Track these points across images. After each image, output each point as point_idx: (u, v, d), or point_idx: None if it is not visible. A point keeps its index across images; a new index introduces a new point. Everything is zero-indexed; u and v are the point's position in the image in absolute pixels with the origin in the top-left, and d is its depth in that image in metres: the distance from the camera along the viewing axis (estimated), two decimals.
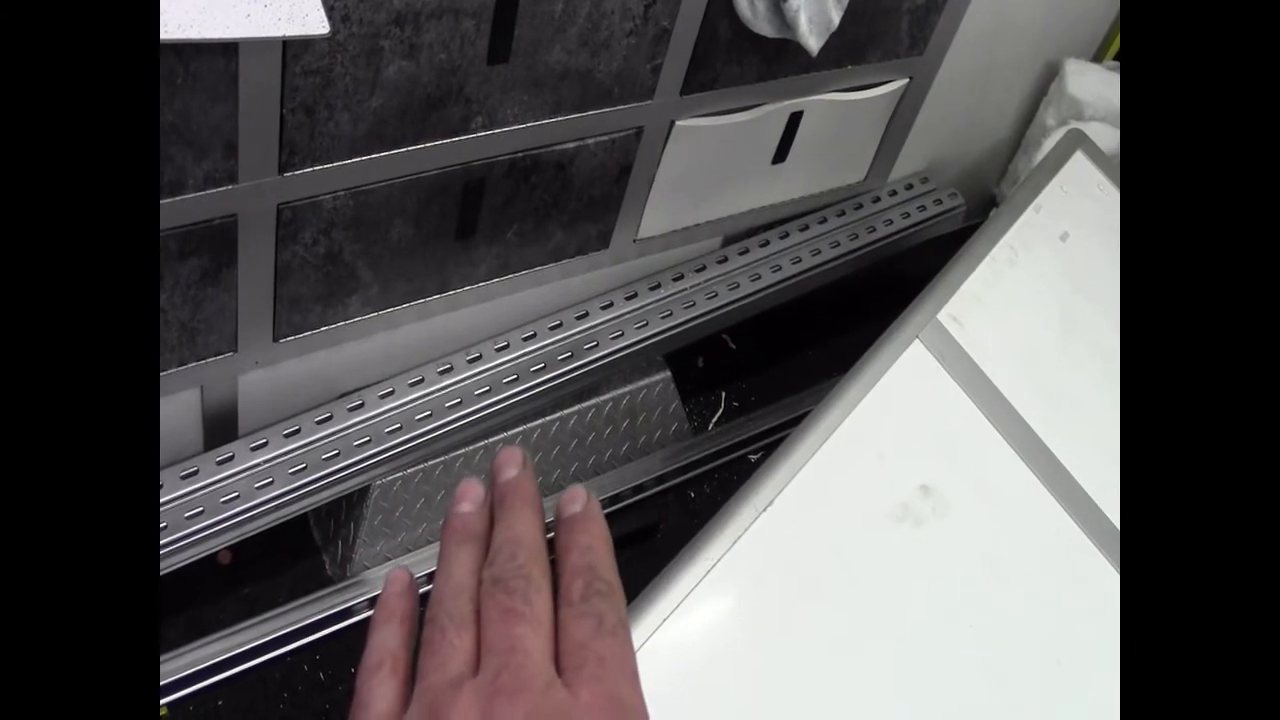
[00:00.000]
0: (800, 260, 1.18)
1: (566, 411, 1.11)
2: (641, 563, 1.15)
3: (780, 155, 1.10)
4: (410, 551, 1.08)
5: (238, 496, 0.93)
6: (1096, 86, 1.25)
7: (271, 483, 0.94)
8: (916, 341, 0.95)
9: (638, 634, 0.78)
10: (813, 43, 0.95)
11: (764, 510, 0.83)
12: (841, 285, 1.24)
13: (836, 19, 0.96)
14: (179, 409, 0.90)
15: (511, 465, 0.60)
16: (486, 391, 1.03)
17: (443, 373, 1.02)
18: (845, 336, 1.30)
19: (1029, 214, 1.05)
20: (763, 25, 0.94)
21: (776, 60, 0.99)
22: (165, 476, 0.92)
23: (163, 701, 0.97)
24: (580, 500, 0.58)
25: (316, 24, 0.70)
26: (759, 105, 1.03)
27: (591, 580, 0.54)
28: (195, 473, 0.93)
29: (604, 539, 0.57)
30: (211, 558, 0.99)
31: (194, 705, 0.99)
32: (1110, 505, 0.91)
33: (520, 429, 1.08)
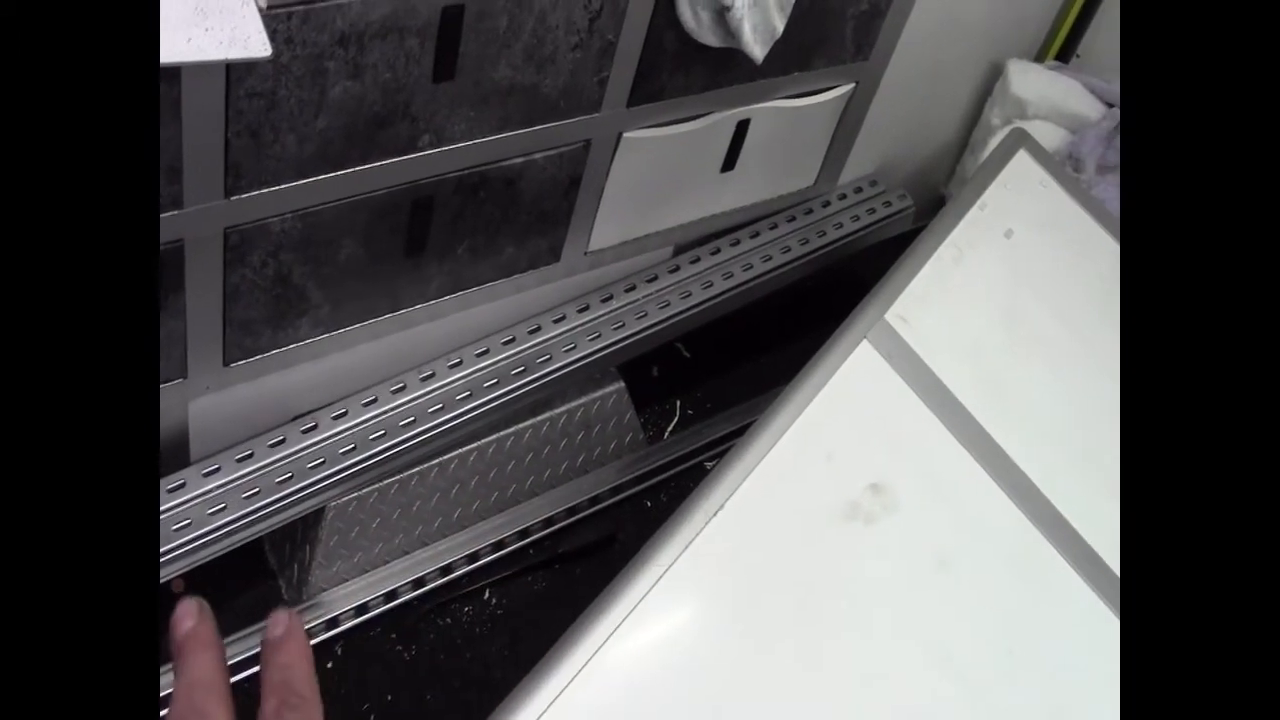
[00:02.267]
0: (752, 266, 1.18)
1: (521, 426, 1.10)
2: (599, 574, 1.15)
3: (729, 163, 1.10)
4: (366, 572, 1.07)
5: (190, 524, 0.92)
6: (1039, 86, 1.26)
7: (224, 508, 0.93)
8: (864, 342, 0.95)
9: (588, 644, 0.78)
10: (757, 51, 0.95)
11: (714, 515, 0.84)
12: (794, 290, 1.24)
13: (780, 26, 0.96)
14: None
15: (189, 616, 0.64)
16: (440, 409, 1.02)
17: (396, 391, 1.01)
18: (799, 341, 1.29)
19: (974, 212, 1.05)
20: (707, 35, 0.94)
21: (722, 69, 1.00)
22: None
23: None
24: (281, 624, 0.65)
25: (258, 46, 0.69)
26: (706, 114, 1.03)
27: (286, 696, 0.61)
28: None
29: (302, 655, 0.63)
30: (165, 587, 0.97)
31: None
32: (1059, 497, 0.92)
33: (474, 445, 1.08)
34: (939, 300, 1.00)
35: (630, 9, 0.89)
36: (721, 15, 0.92)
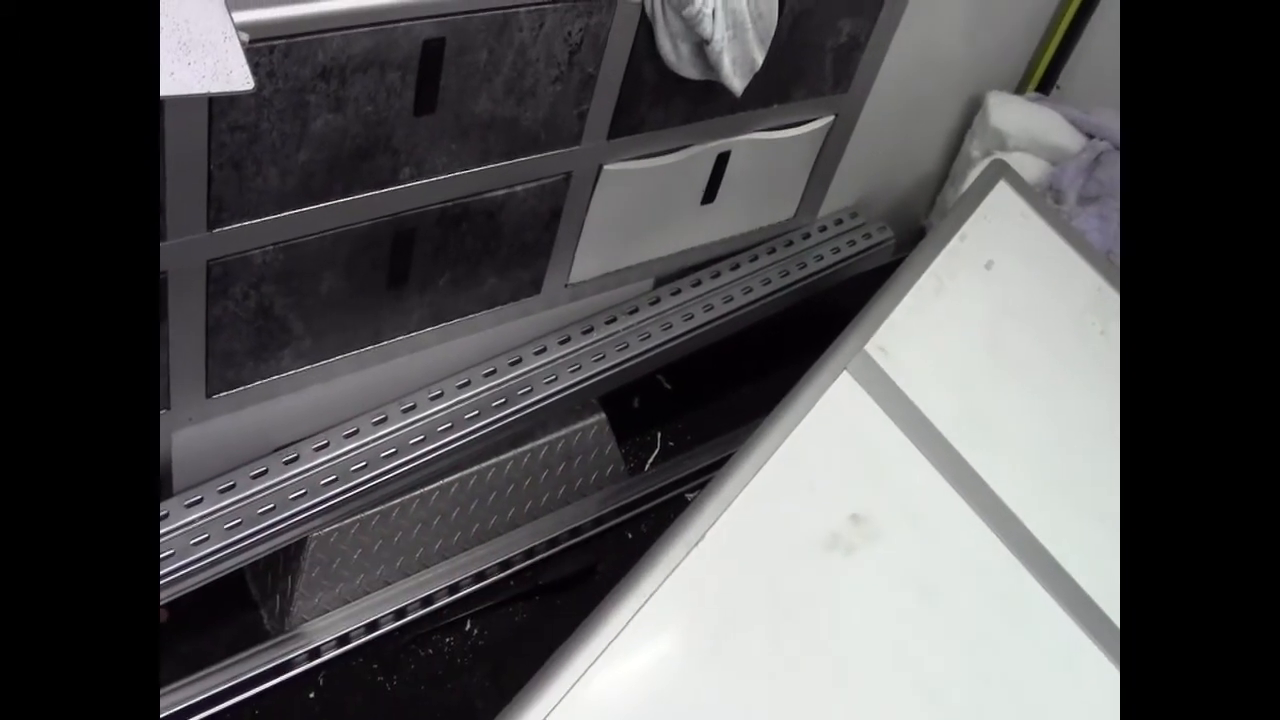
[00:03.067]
0: (732, 298, 1.19)
1: (502, 457, 1.11)
2: (580, 605, 1.14)
3: (709, 195, 1.11)
4: (348, 603, 1.07)
5: (173, 554, 0.92)
6: (1018, 118, 1.28)
7: (207, 539, 0.93)
8: (845, 373, 0.96)
9: (569, 673, 0.78)
10: (736, 83, 0.96)
11: (695, 545, 0.84)
12: (774, 322, 1.25)
13: (760, 59, 0.97)
14: None
15: None
16: (421, 440, 1.03)
17: (377, 423, 1.02)
18: (780, 372, 1.30)
19: (954, 243, 1.06)
20: (687, 68, 0.95)
21: (702, 102, 1.00)
22: None
23: None
24: None
25: (241, 80, 0.70)
26: (686, 147, 1.04)
27: None
28: None
29: None
30: None
31: None
32: (1037, 524, 0.92)
33: (456, 476, 1.08)
34: (920, 331, 1.01)
35: (610, 42, 0.89)
36: (701, 48, 0.93)
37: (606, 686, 0.78)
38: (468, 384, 1.06)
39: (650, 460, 1.27)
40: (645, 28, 0.91)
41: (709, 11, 0.90)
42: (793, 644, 0.82)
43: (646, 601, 0.81)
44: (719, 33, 0.92)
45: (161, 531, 0.92)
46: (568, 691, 0.77)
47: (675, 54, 0.94)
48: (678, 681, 0.80)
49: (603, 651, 0.79)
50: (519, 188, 0.94)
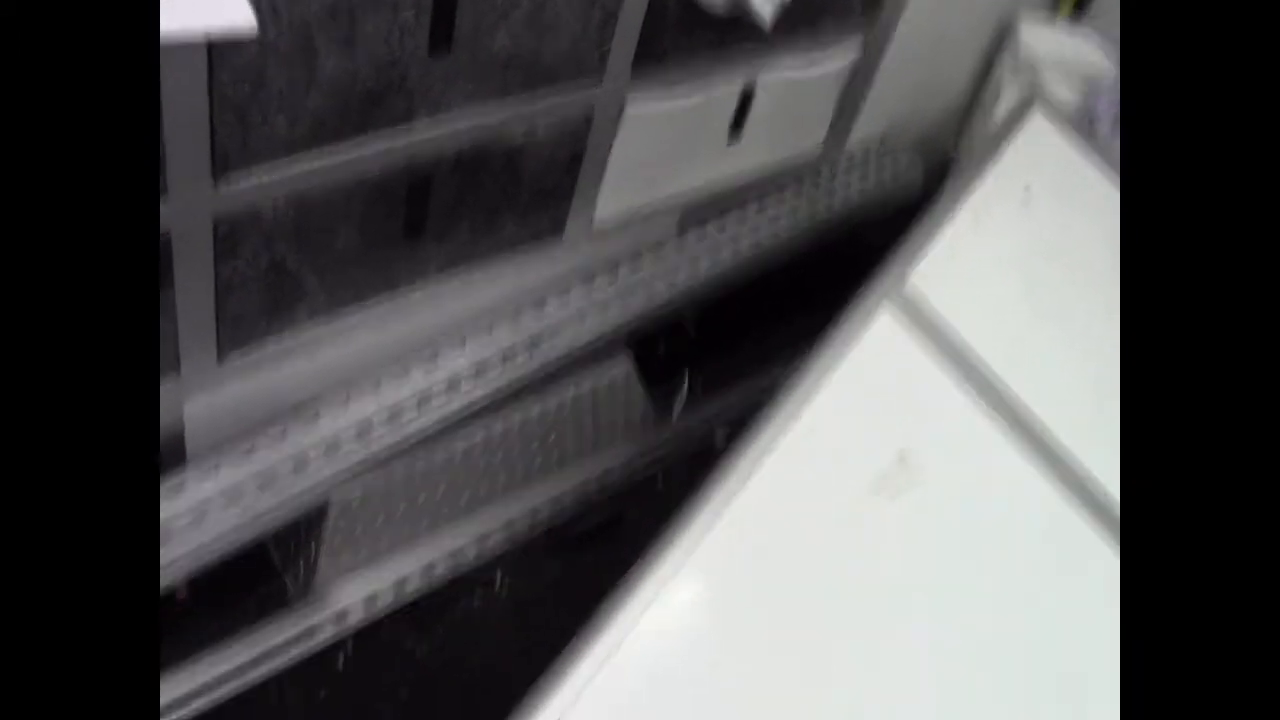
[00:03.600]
0: (759, 236, 1.15)
1: (528, 407, 1.07)
2: (609, 557, 1.12)
3: (735, 132, 1.07)
4: (374, 564, 1.04)
5: (192, 525, 0.88)
6: (1051, 45, 1.23)
7: (227, 507, 0.90)
8: (883, 310, 0.93)
9: (611, 635, 0.75)
10: (766, 16, 0.92)
11: (738, 494, 0.81)
12: (802, 261, 1.21)
13: None
14: None
15: None
16: (445, 392, 0.99)
17: (399, 377, 0.98)
18: (808, 312, 1.26)
19: (990, 176, 1.02)
20: (713, 1, 0.91)
21: (728, 36, 0.96)
22: None
23: None
24: None
25: (241, 20, 0.65)
26: (712, 83, 0.99)
27: None
28: None
29: None
30: (168, 594, 0.94)
31: None
32: (1083, 465, 0.89)
33: (481, 428, 1.04)
34: (957, 266, 0.97)
35: None
36: None
37: (648, 649, 0.75)
38: (491, 333, 1.02)
39: (678, 405, 1.24)
40: None
41: None
42: (843, 592, 0.80)
43: (692, 553, 0.78)
44: None
45: (179, 502, 0.89)
46: (618, 646, 0.74)
47: None
48: (725, 633, 0.77)
49: (645, 610, 0.76)
50: (539, 130, 0.90)
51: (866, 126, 1.20)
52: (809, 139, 1.15)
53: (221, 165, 0.74)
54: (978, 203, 1.01)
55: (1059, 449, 0.90)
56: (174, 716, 0.94)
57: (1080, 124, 1.18)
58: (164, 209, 0.73)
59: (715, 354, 1.28)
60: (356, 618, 1.03)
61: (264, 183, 0.77)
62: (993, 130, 1.08)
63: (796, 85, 1.04)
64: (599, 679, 0.73)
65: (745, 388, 1.24)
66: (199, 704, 0.95)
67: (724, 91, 0.99)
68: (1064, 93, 1.20)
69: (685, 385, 1.25)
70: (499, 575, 1.10)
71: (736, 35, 0.96)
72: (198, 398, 0.87)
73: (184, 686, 0.95)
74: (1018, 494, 0.87)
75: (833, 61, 1.07)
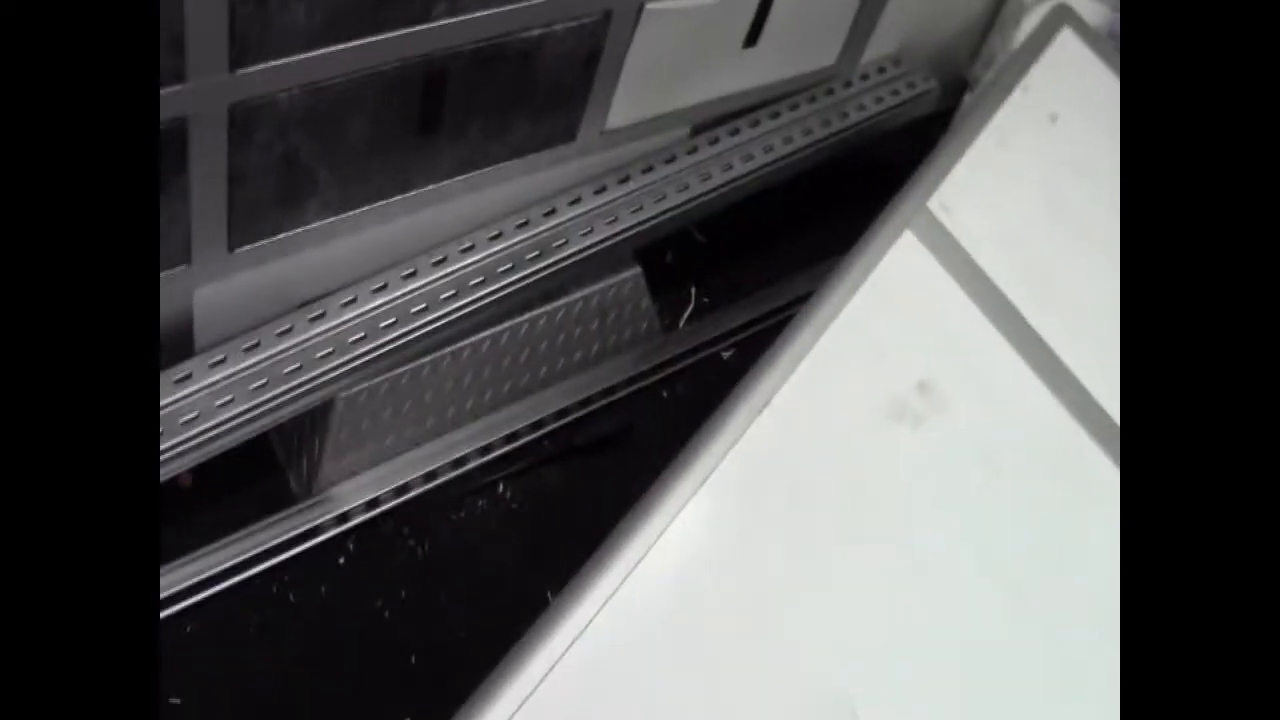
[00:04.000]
0: (772, 148, 1.14)
1: (535, 313, 1.06)
2: (618, 469, 1.12)
3: (752, 39, 1.05)
4: (377, 465, 1.04)
5: (198, 416, 0.88)
6: None
7: (232, 400, 0.89)
8: (907, 231, 0.92)
9: (631, 551, 0.75)
10: None
11: (759, 412, 0.81)
12: (812, 176, 1.20)
13: None
14: None
15: None
16: (453, 295, 0.98)
17: (407, 277, 0.97)
18: (818, 227, 1.26)
19: (1016, 95, 1.01)
20: None
21: None
22: None
23: None
24: None
25: None
26: None
27: None
28: None
29: None
30: (172, 482, 0.94)
31: (163, 632, 0.95)
32: (1107, 397, 0.89)
33: (487, 332, 1.04)
34: (982, 188, 0.96)
35: None
36: None
37: (670, 566, 0.75)
38: (499, 235, 1.01)
39: (685, 317, 1.23)
40: None
41: None
42: (861, 516, 0.80)
43: (712, 472, 0.78)
44: None
45: (185, 393, 0.88)
46: (638, 561, 0.75)
47: None
48: (745, 555, 0.77)
49: (666, 528, 0.76)
50: (557, 26, 0.89)
51: (882, 42, 1.18)
52: (824, 53, 1.14)
53: (239, 52, 0.73)
54: (1003, 123, 1.00)
55: (1080, 381, 0.89)
56: (175, 608, 0.95)
57: (1112, 41, 1.16)
58: (181, 93, 0.72)
59: (724, 266, 1.27)
60: (359, 519, 1.04)
61: (280, 72, 0.76)
62: (1018, 46, 1.06)
63: None
64: (623, 591, 0.73)
65: (754, 301, 1.24)
66: (199, 596, 0.96)
67: None
68: (1091, 9, 1.18)
69: (693, 296, 1.24)
70: (502, 483, 1.10)
71: None
72: (207, 287, 0.86)
73: (185, 577, 0.95)
74: (1039, 427, 0.87)
75: None
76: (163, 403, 0.88)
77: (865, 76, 1.21)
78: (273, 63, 0.75)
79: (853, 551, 0.79)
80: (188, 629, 0.96)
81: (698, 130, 1.13)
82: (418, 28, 0.80)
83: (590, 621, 0.71)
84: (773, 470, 0.79)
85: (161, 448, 0.87)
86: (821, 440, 0.81)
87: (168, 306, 0.86)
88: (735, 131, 1.14)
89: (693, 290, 1.25)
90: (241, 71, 0.74)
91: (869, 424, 0.84)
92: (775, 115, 1.15)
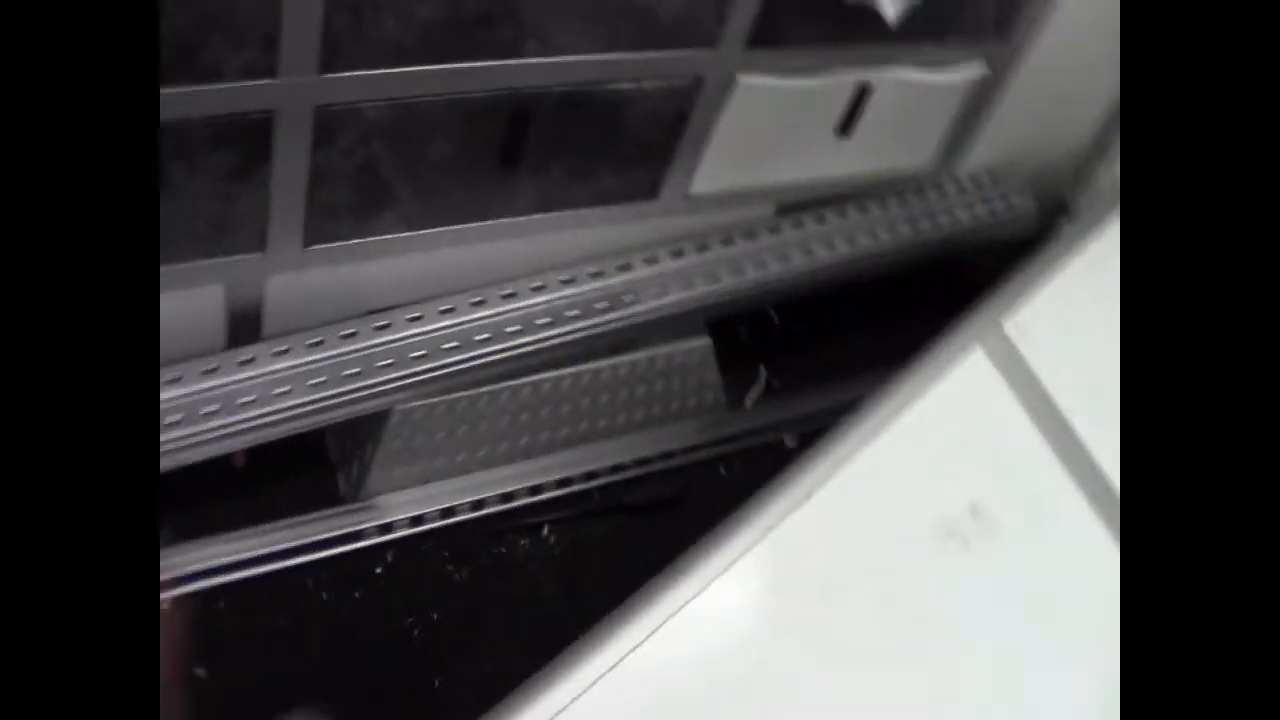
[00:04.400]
0: (856, 241, 1.15)
1: (599, 363, 1.09)
2: (663, 533, 1.13)
3: (845, 128, 1.07)
4: (426, 484, 1.07)
5: (255, 400, 0.93)
6: None
7: (290, 391, 0.94)
8: (978, 348, 0.91)
9: (657, 612, 0.76)
10: (891, 11, 0.93)
11: (803, 502, 0.81)
12: (896, 275, 1.20)
13: None
14: (203, 303, 0.90)
15: None
16: (518, 330, 1.02)
17: (474, 304, 1.01)
18: (896, 329, 1.26)
19: (1115, 228, 1.00)
20: None
21: (850, 26, 0.97)
22: (184, 370, 0.92)
23: (164, 596, 0.98)
24: None
25: None
26: (828, 71, 1.01)
27: None
28: (215, 369, 0.93)
29: None
30: (226, 458, 0.99)
31: (195, 603, 0.99)
32: None
33: (549, 374, 1.07)
34: (1063, 316, 0.95)
35: None
36: None
37: (689, 635, 0.75)
38: (572, 280, 1.05)
39: (752, 395, 1.25)
40: None
41: None
42: (892, 631, 0.78)
43: (743, 554, 0.78)
44: None
45: (246, 376, 0.93)
46: (656, 629, 0.75)
47: None
48: (764, 643, 0.77)
49: (691, 599, 0.76)
50: (646, 83, 0.92)
51: (982, 152, 1.19)
52: (919, 154, 1.15)
53: (330, 55, 0.78)
54: (1094, 254, 0.98)
55: None
56: (210, 581, 0.99)
57: None
58: (271, 87, 0.77)
59: (797, 352, 1.28)
60: (401, 533, 1.07)
61: (367, 82, 0.81)
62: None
63: (915, 91, 1.05)
64: (638, 653, 0.74)
65: (823, 393, 1.25)
66: (235, 575, 1.00)
67: (840, 80, 1.00)
68: None
69: (762, 377, 1.26)
70: (547, 526, 1.12)
71: (860, 27, 0.96)
72: (280, 277, 0.91)
73: (223, 554, 0.99)
74: (1096, 573, 0.83)
75: (957, 74, 1.07)
76: (223, 381, 0.93)
77: (961, 185, 1.22)
78: (361, 72, 0.80)
79: (872, 662, 0.77)
80: (220, 605, 1.00)
81: (784, 211, 1.15)
82: (506, 61, 0.84)
83: (601, 677, 0.73)
84: (806, 563, 0.78)
85: (216, 424, 0.91)
86: (862, 542, 0.80)
87: (240, 289, 0.91)
88: (821, 219, 1.16)
89: (763, 371, 1.27)
90: (330, 76, 0.78)
91: (912, 537, 0.82)
92: (863, 209, 1.17)
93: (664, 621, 0.75)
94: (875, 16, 0.93)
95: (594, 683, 0.73)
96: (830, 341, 1.29)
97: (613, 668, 0.73)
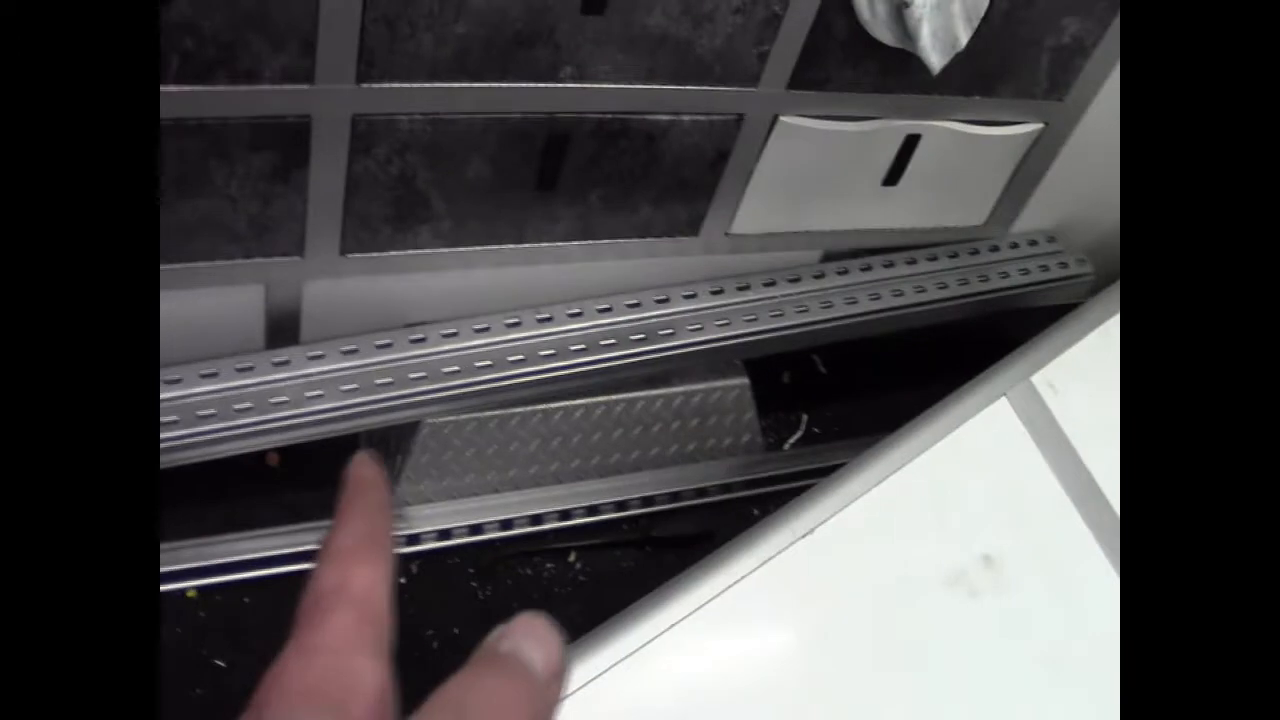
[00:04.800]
0: (902, 294, 1.15)
1: (634, 394, 1.10)
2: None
3: (892, 178, 1.08)
4: (454, 499, 1.09)
5: (287, 401, 0.96)
6: None
7: (322, 395, 0.97)
8: (1004, 399, 0.91)
9: (638, 635, 0.76)
10: (934, 59, 0.93)
11: (802, 536, 0.81)
12: (943, 331, 1.20)
13: (964, 39, 0.93)
14: (243, 301, 0.94)
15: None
16: (552, 355, 1.03)
17: (510, 325, 1.03)
18: (944, 385, 1.25)
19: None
20: (881, 31, 0.93)
21: (896, 73, 0.98)
22: (221, 366, 0.95)
23: (192, 584, 1.01)
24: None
25: None
26: (874, 118, 1.01)
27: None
28: (251, 368, 0.96)
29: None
30: (260, 456, 1.02)
31: (221, 596, 1.02)
32: None
33: (583, 401, 1.08)
34: (1096, 376, 0.94)
35: None
36: (899, 12, 0.91)
37: (667, 664, 0.76)
38: (609, 310, 1.06)
39: (791, 441, 1.25)
40: None
41: None
42: (887, 675, 0.78)
43: (736, 583, 0.79)
44: None
45: (280, 376, 0.96)
46: (638, 649, 0.76)
47: (870, 11, 0.91)
48: (751, 675, 0.77)
49: (676, 623, 0.77)
50: (685, 117, 0.94)
51: (1038, 212, 1.18)
52: (971, 211, 1.15)
53: (366, 66, 0.80)
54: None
55: None
56: (236, 575, 1.02)
57: None
58: (308, 92, 0.80)
59: (840, 401, 1.28)
60: (428, 545, 1.09)
61: (403, 95, 0.83)
62: None
63: (965, 144, 1.04)
64: (617, 670, 0.75)
65: (863, 444, 1.22)
66: (262, 572, 1.02)
67: (886, 127, 1.00)
68: None
69: (803, 423, 1.26)
70: (574, 552, 1.13)
71: (904, 74, 0.97)
72: (317, 283, 0.94)
73: (251, 550, 1.02)
74: (1112, 631, 0.82)
75: (1010, 131, 1.06)
76: (258, 379, 0.96)
77: (1015, 246, 1.22)
78: (397, 84, 0.82)
79: (867, 703, 0.77)
80: (245, 600, 1.02)
81: (829, 258, 1.15)
82: (542, 85, 0.86)
83: (584, 686, 0.73)
84: (803, 597, 0.79)
85: (248, 421, 0.94)
86: (864, 582, 0.80)
87: (279, 291, 0.94)
88: (868, 268, 1.16)
89: (804, 417, 1.27)
90: (366, 86, 0.81)
91: (920, 581, 0.81)
92: (912, 261, 1.17)
93: (639, 647, 0.75)
94: (921, 66, 0.93)
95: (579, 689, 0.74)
96: (876, 394, 1.29)
97: (581, 687, 0.73)
